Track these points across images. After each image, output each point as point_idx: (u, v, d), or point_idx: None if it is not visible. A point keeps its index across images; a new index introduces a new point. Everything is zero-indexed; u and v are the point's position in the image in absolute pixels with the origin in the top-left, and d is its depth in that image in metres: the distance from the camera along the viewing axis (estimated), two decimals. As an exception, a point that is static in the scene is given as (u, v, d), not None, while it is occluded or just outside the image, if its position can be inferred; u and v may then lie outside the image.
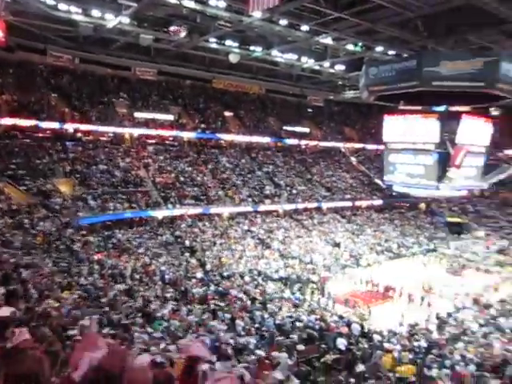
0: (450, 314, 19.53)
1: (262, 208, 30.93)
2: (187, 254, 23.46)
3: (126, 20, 21.61)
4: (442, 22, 19.17)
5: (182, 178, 29.85)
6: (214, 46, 25.60)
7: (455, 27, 19.02)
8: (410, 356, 13.48)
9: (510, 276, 26.57)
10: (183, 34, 22.36)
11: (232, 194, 30.45)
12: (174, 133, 32.49)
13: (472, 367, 12.04)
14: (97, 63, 29.89)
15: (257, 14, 19.30)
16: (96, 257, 19.02)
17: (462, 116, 14.89)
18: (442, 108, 15.14)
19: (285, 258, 25.93)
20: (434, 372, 11.61)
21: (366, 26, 20.02)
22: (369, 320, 18.33)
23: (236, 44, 25.42)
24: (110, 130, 29.86)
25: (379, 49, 24.42)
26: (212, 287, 18.12)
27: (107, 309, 10.97)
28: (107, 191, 25.50)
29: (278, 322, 14.32)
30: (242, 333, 12.56)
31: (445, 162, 15.23)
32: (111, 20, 21.43)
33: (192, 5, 19.41)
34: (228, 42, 25.25)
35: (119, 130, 30.23)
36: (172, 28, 22.09)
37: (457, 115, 15.06)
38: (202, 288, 17.62)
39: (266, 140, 37.20)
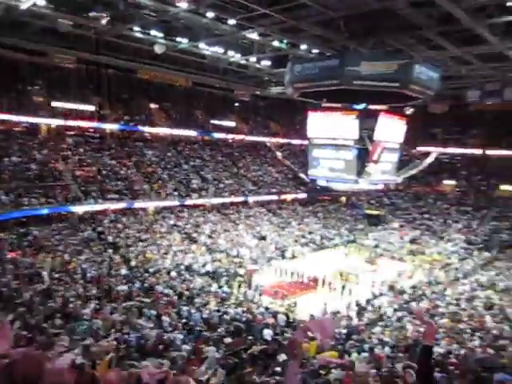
0: (368, 301, 20.73)
1: (188, 202, 30.62)
2: (110, 251, 22.63)
3: (41, 2, 20.17)
4: (361, 24, 20.08)
5: (104, 172, 28.65)
6: (139, 35, 24.74)
7: (374, 29, 19.99)
8: (332, 343, 14.13)
9: (421, 264, 28.77)
10: (104, 21, 21.33)
11: (158, 188, 29.80)
12: (95, 124, 31.03)
13: (387, 349, 12.91)
14: (10, 48, 27.57)
15: (183, 5, 18.93)
16: (9, 256, 17.75)
17: (379, 114, 15.76)
18: (361, 106, 15.92)
19: (212, 252, 25.94)
20: (354, 356, 12.26)
21: (290, 24, 20.39)
22: (295, 310, 18.91)
23: (161, 34, 24.75)
24: (25, 119, 27.82)
25: (304, 46, 25.05)
26: (137, 284, 17.68)
27: (24, 310, 10.32)
28: (21, 185, 23.80)
29: (205, 316, 14.32)
30: (169, 329, 12.41)
31: (363, 157, 16.06)
32: (25, 1, 19.88)
33: (114, -10, 18.62)
34: (153, 32, 24.50)
35: (35, 120, 28.25)
36: (92, 14, 20.98)
37: (375, 113, 15.92)
38: (126, 285, 17.13)
39: (192, 133, 36.82)
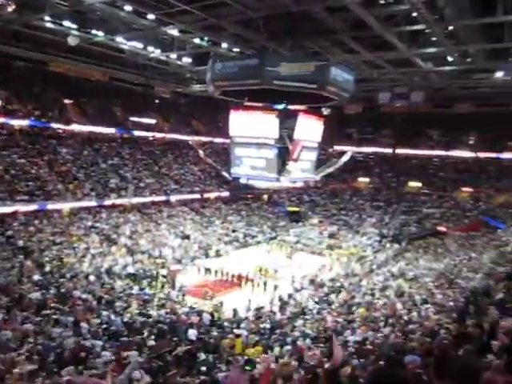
0: (290, 295, 21.34)
1: (107, 202, 29.38)
2: (21, 256, 21.05)
3: None
4: (280, 25, 20.55)
5: (12, 171, 26.55)
6: (50, 25, 23.23)
7: (292, 31, 20.56)
8: (257, 338, 14.39)
9: (339, 257, 30.18)
10: (10, 8, 19.76)
11: (73, 189, 28.25)
12: (2, 120, 28.62)
13: (309, 341, 13.40)
14: None
15: (98, -4, 18.17)
16: None
17: (298, 114, 16.27)
18: (281, 106, 16.32)
19: (133, 253, 25.14)
20: (276, 350, 12.59)
21: (211, 22, 20.35)
22: (221, 309, 18.93)
23: (75, 26, 23.45)
24: None
25: (225, 45, 25.13)
26: (52, 290, 16.64)
27: None
28: None
29: (126, 320, 13.87)
30: (88, 335, 11.87)
31: (284, 155, 16.48)
32: None
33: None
34: (66, 23, 23.13)
35: None
36: (-4, 0, 19.34)
37: (294, 113, 16.41)
38: (39, 292, 16.06)
39: (110, 131, 35.35)
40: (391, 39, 20.38)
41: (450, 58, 23.79)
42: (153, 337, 12.65)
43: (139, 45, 26.43)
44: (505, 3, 15.26)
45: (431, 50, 21.93)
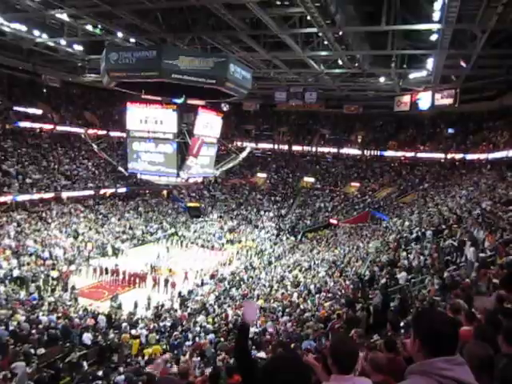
0: (191, 291, 21.25)
1: (-14, 200, 26.49)
2: None
3: None
4: (180, 19, 20.21)
5: None
6: None
7: (192, 26, 20.34)
8: (157, 337, 14.11)
9: (239, 251, 30.73)
10: None
11: None
12: None
13: (211, 335, 13.47)
14: None
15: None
16: None
17: (198, 109, 16.18)
18: (180, 100, 16.07)
19: (19, 255, 23.01)
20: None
21: (105, 8, 19.27)
22: (119, 309, 18.18)
23: None
24: None
25: (120, 34, 23.98)
26: None
27: None
28: None
29: (12, 328, 12.68)
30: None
31: (183, 151, 16.28)
32: None
33: None
34: None
35: None
36: None
37: (194, 108, 16.28)
38: None
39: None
40: (287, 40, 21.12)
41: (340, 62, 25.35)
42: (43, 344, 11.75)
43: (23, 27, 24.12)
44: (388, 15, 16.67)
45: (323, 53, 23.17)
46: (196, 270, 25.01)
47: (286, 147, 46.21)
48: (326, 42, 21.67)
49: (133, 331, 14.36)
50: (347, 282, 18.16)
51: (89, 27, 23.70)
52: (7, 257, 22.45)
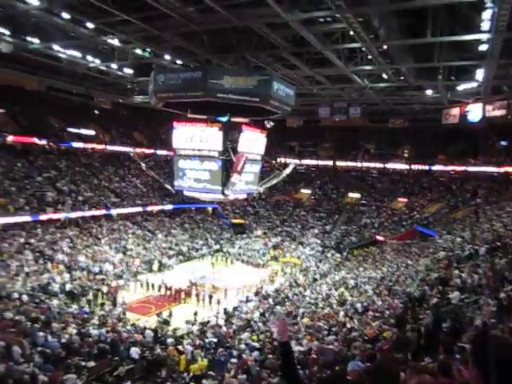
0: (235, 308, 21.24)
1: (42, 217, 27.82)
2: None
3: None
4: (224, 39, 20.73)
5: None
6: (-21, 31, 21.90)
7: (236, 46, 20.80)
8: (203, 353, 14.16)
9: (283, 268, 30.52)
10: None
11: (5, 203, 26.53)
12: None
13: (256, 353, 13.36)
14: None
15: (34, 2, 17.37)
16: None
17: (242, 127, 16.37)
18: (224, 118, 16.34)
19: (71, 270, 23.97)
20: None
21: (153, 33, 20.11)
22: (166, 324, 18.45)
23: (7, 32, 22.28)
24: None
25: (167, 57, 24.89)
26: (-21, 312, 15.44)
27: None
28: None
29: (64, 340, 13.13)
30: (21, 360, 11.10)
31: (228, 168, 16.47)
32: None
33: None
34: (-2, 29, 21.93)
35: None
36: None
37: (238, 126, 16.48)
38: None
39: (46, 142, 33.67)
40: (330, 56, 21.13)
41: (384, 76, 25.01)
42: (93, 357, 12.08)
43: (78, 54, 25.55)
44: (433, 26, 16.34)
45: (367, 67, 22.98)
46: (240, 286, 25.04)
47: (330, 163, 45.85)
48: (369, 57, 21.50)
49: (179, 347, 14.50)
50: (396, 301, 17.57)
51: (138, 51, 24.77)
52: (60, 271, 23.43)
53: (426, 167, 39.86)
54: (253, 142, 17.48)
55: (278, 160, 42.48)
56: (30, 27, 22.62)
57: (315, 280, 26.97)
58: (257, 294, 23.93)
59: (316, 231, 38.13)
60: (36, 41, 23.37)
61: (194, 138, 16.81)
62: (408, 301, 15.74)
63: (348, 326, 15.48)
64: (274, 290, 24.69)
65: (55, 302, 18.99)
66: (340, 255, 32.96)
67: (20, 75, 31.52)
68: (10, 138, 31.14)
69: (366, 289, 22.24)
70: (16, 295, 18.56)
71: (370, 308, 17.94)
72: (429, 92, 27.48)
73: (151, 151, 40.87)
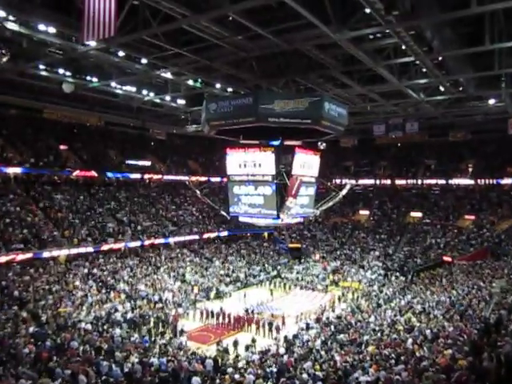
0: (296, 336, 20.85)
1: (104, 248, 29.12)
2: (16, 307, 20.62)
3: None
4: (273, 64, 21.15)
5: (7, 220, 26.41)
6: (44, 73, 23.81)
7: (285, 69, 21.14)
8: (264, 383, 13.94)
9: (344, 293, 29.73)
10: (5, 58, 20.28)
11: (69, 235, 28.08)
12: (-3, 168, 28.72)
13: (319, 383, 12.97)
14: None
15: (92, 43, 18.65)
16: None
17: (294, 150, 16.43)
18: (277, 142, 16.48)
19: (132, 299, 24.72)
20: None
21: (204, 63, 20.91)
22: (226, 353, 18.42)
23: (69, 73, 24.05)
24: None
25: (218, 85, 25.73)
26: (48, 342, 16.20)
27: None
28: None
29: (126, 370, 13.44)
30: (87, 388, 11.48)
31: (282, 192, 16.51)
32: None
33: (17, 28, 17.83)
34: (60, 70, 23.73)
35: None
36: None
37: (291, 149, 16.56)
38: (34, 345, 15.62)
39: (106, 174, 35.54)
40: (382, 72, 20.89)
41: (441, 88, 24.30)
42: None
43: (133, 88, 27.02)
44: (491, 32, 15.75)
45: (422, 80, 22.47)
46: (300, 313, 24.63)
47: (388, 182, 44.69)
48: (424, 70, 21.05)
49: (236, 376, 14.37)
50: (469, 327, 16.51)
51: (190, 82, 25.82)
52: (122, 300, 24.22)
53: (494, 181, 37.78)
54: (307, 164, 17.46)
55: (334, 181, 42.03)
56: (89, 67, 24.30)
57: (379, 305, 25.98)
58: (317, 320, 23.39)
59: (377, 254, 36.99)
60: (95, 79, 25.02)
61: (247, 163, 17.05)
62: (483, 326, 14.74)
63: (417, 354, 14.68)
64: (335, 316, 24.04)
65: (118, 331, 19.55)
66: (404, 278, 31.65)
67: (81, 112, 33.72)
68: (76, 173, 33.05)
69: (435, 314, 21.13)
70: (82, 325, 19.35)
71: (440, 335, 16.95)
72: (491, 101, 26.33)
73: (205, 179, 41.86)
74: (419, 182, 42.81)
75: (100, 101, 31.52)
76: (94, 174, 33.98)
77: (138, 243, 31.45)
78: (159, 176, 39.89)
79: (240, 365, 16.24)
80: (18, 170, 29.89)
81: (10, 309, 20.40)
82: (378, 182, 45.31)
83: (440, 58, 19.56)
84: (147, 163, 39.30)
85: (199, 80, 25.92)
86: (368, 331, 20.40)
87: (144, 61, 21.71)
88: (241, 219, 19.26)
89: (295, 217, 18.83)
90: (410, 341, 16.86)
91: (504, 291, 19.51)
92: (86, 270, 26.85)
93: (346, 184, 24.40)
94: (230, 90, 26.48)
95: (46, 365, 12.82)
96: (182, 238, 35.11)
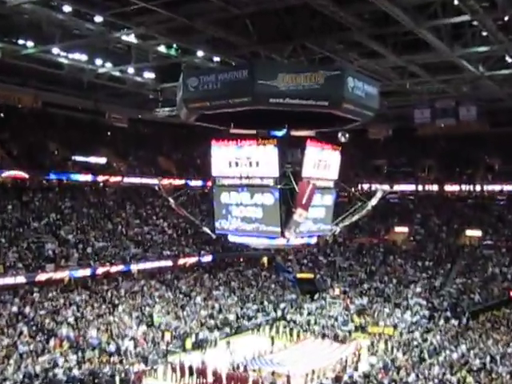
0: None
1: (40, 277, 28.96)
2: None
3: None
4: (275, 25, 21.17)
5: None
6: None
7: (292, 31, 21.16)
8: None
9: (374, 342, 29.66)
10: None
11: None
12: None
13: None
14: None
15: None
16: None
17: (306, 143, 16.40)
18: (281, 133, 16.47)
19: (79, 349, 24.59)
20: None
21: (181, 23, 20.86)
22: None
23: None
24: None
25: (200, 53, 25.76)
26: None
27: None
28: None
29: None
30: None
31: (289, 201, 16.47)
32: None
33: None
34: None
35: None
36: None
37: (300, 142, 16.54)
38: None
39: (46, 176, 35.44)
40: (426, 37, 20.97)
41: (508, 59, 24.43)
42: None
43: (83, 57, 27.00)
44: None
45: (481, 48, 22.57)
46: (311, 370, 24.55)
47: (434, 188, 44.82)
48: (484, 33, 21.15)
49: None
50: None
51: (161, 48, 25.83)
52: (65, 351, 24.05)
53: None
54: (322, 163, 17.47)
55: (360, 187, 42.09)
56: (23, 26, 24.27)
57: (422, 360, 25.96)
58: (337, 380, 23.34)
59: (419, 288, 36.95)
60: (30, 44, 25.00)
61: (241, 161, 17.02)
62: None
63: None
64: (361, 374, 24.00)
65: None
66: (457, 322, 31.66)
67: (10, 89, 33.61)
68: (3, 174, 32.88)
69: (499, 372, 21.15)
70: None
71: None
72: None
73: (182, 182, 41.85)
74: (478, 188, 42.91)
75: (37, 73, 31.45)
76: (26, 175, 33.87)
77: (87, 271, 31.29)
78: (118, 178, 39.81)
79: None
80: None
81: None
82: (420, 187, 45.41)
83: (506, 18, 19.68)
84: (101, 160, 39.21)
85: (174, 46, 25.95)
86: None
87: (98, 19, 21.70)
88: (230, 239, 19.20)
89: (306, 236, 18.82)
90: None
91: None
92: (14, 309, 26.71)
93: (376, 190, 24.41)
94: (216, 59, 26.53)
95: None
96: (148, 265, 34.97)
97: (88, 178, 37.79)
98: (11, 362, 21.90)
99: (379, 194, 20.17)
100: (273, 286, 39.87)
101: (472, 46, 22.30)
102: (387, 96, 29.88)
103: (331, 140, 18.77)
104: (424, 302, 34.79)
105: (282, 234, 16.69)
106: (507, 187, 41.52)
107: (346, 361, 26.33)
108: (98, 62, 27.76)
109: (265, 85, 14.64)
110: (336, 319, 33.75)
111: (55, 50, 26.09)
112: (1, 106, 35.64)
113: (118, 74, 30.27)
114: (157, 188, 29.69)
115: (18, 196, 34.30)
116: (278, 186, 16.35)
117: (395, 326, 31.94)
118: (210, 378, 23.72)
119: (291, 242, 17.71)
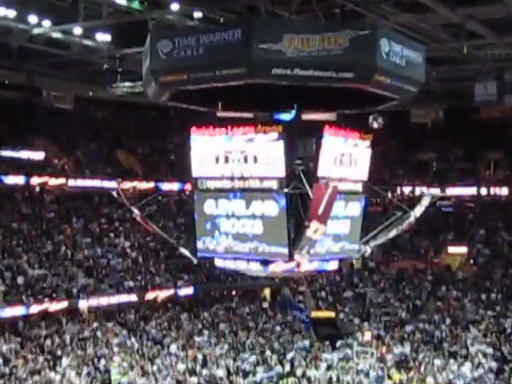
0: None
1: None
2: None
3: None
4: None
5: None
6: None
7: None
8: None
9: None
10: None
11: None
12: None
13: None
14: None
15: None
16: None
17: (322, 131, 16.41)
18: (288, 116, 16.52)
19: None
20: None
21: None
22: None
23: None
24: None
25: (175, 6, 25.81)
26: None
27: None
28: None
29: None
30: None
31: (299, 211, 16.50)
32: None
33: None
34: None
35: None
36: None
37: (315, 129, 16.58)
38: None
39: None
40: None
41: None
42: None
43: (11, 12, 27.03)
44: None
45: None
46: None
47: (503, 191, 44.89)
48: None
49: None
50: None
51: (120, 0, 25.88)
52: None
53: None
54: (346, 158, 17.51)
55: (399, 190, 42.20)
56: None
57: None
58: None
59: (482, 330, 37.05)
60: None
61: (232, 155, 17.05)
62: None
63: None
64: None
65: None
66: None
67: None
68: None
69: None
70: None
71: None
72: None
73: (151, 185, 41.82)
74: None
75: None
76: None
77: (18, 310, 31.28)
78: (60, 180, 39.74)
79: None
80: None
81: None
82: (483, 191, 45.44)
83: None
84: (37, 155, 39.16)
85: (139, -3, 26.06)
86: None
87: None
88: (218, 264, 19.22)
89: (325, 259, 18.87)
90: None
91: None
92: None
93: (422, 196, 24.46)
94: (197, 15, 26.60)
95: None
96: (103, 301, 34.93)
97: (19, 180, 37.61)
98: None
99: (426, 201, 20.25)
100: (278, 328, 39.88)
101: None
102: (437, 65, 29.96)
103: (359, 126, 18.81)
104: (490, 350, 34.85)
105: (291, 257, 16.69)
106: None
107: None
108: (32, 19, 27.69)
109: (265, 50, 14.61)
110: (367, 375, 33.78)
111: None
112: None
113: (59, 36, 30.25)
114: (115, 194, 29.61)
115: None
116: (285, 191, 16.36)
117: (450, 383, 32.03)
118: None
119: (303, 268, 17.73)
